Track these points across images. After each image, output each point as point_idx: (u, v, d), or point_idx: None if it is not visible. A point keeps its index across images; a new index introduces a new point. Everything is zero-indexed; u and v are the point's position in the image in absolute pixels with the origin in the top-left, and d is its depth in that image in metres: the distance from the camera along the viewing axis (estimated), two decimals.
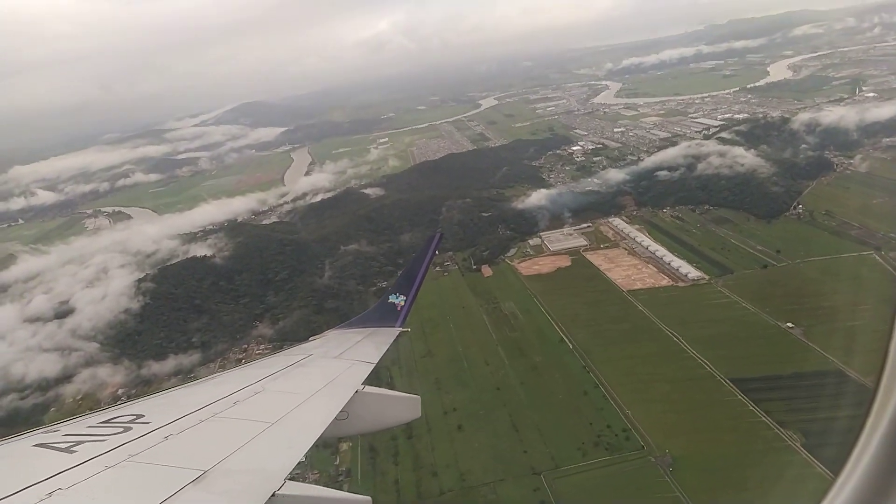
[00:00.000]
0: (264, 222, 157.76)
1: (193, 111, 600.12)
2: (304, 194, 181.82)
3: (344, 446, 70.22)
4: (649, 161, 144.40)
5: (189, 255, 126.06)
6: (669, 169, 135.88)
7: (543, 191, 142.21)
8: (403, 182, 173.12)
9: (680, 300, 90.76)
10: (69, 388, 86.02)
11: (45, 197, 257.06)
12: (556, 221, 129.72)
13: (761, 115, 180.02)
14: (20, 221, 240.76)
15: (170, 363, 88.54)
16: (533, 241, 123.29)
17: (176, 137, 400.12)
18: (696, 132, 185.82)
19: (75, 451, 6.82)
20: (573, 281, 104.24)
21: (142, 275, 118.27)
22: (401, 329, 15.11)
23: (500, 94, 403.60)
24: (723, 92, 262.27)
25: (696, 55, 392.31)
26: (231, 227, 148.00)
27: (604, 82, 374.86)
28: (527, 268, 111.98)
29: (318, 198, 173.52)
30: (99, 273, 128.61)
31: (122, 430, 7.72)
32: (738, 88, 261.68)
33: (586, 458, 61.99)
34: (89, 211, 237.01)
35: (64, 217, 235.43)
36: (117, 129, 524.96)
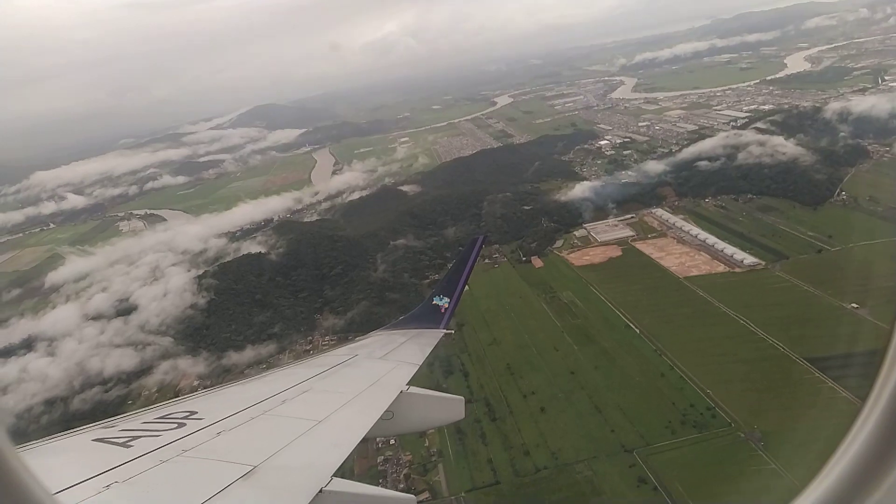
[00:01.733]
0: (306, 220, 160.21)
1: (205, 115, 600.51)
2: (340, 192, 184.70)
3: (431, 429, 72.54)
4: (687, 152, 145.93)
5: (242, 253, 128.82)
6: (709, 159, 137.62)
7: (587, 183, 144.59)
8: (438, 179, 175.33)
9: (740, 285, 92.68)
10: (150, 380, 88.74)
11: (74, 201, 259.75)
12: (598, 213, 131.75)
13: (792, 106, 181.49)
14: (51, 225, 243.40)
15: (248, 353, 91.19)
16: (579, 233, 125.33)
17: (194, 141, 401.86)
18: (724, 124, 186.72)
19: (131, 446, 7.06)
20: (627, 269, 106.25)
21: (200, 272, 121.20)
22: (445, 331, 15.34)
23: (513, 91, 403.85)
24: (743, 84, 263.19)
25: (710, 49, 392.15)
26: (280, 225, 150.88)
27: (618, 78, 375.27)
28: (577, 258, 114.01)
29: (356, 195, 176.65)
30: (152, 272, 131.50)
31: (176, 425, 8.01)
32: (758, 81, 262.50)
33: (675, 435, 64.05)
34: (121, 213, 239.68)
35: (95, 220, 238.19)
36: (132, 134, 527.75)
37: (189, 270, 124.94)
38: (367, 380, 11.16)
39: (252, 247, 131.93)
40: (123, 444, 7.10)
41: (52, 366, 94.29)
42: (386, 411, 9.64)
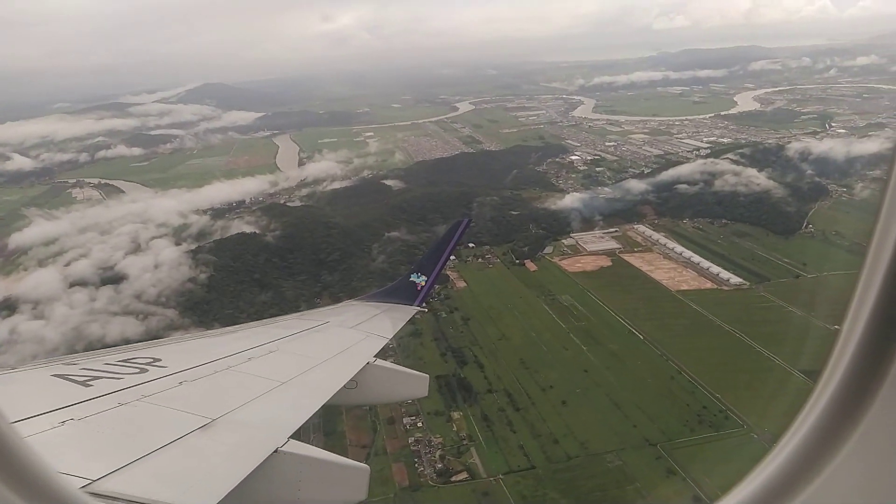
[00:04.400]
0: (288, 204, 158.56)
1: (146, 87, 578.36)
2: (318, 181, 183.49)
3: (456, 415, 74.99)
4: (666, 174, 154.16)
5: (234, 232, 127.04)
6: (688, 183, 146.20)
7: (576, 194, 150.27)
8: (420, 177, 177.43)
9: (729, 301, 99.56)
10: None
11: (20, 162, 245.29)
12: (584, 224, 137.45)
13: (751, 141, 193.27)
14: None
15: None
16: (567, 242, 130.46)
17: (142, 112, 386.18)
18: (688, 152, 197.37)
19: (91, 386, 7.01)
20: (619, 279, 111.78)
21: (192, 247, 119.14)
22: (419, 308, 15.59)
23: (473, 99, 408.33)
24: (698, 116, 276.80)
25: (663, 80, 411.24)
26: (268, 207, 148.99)
27: (576, 97, 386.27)
28: (570, 265, 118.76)
29: (336, 185, 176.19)
30: (132, 242, 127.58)
31: (138, 370, 7.94)
32: (712, 115, 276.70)
33: (694, 433, 69.07)
34: (72, 180, 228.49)
35: (44, 185, 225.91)
36: (66, 99, 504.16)
37: (178, 244, 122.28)
38: (335, 347, 11.34)
39: (241, 226, 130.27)
40: (83, 383, 7.09)
41: (47, 329, 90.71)
42: (350, 380, 9.76)
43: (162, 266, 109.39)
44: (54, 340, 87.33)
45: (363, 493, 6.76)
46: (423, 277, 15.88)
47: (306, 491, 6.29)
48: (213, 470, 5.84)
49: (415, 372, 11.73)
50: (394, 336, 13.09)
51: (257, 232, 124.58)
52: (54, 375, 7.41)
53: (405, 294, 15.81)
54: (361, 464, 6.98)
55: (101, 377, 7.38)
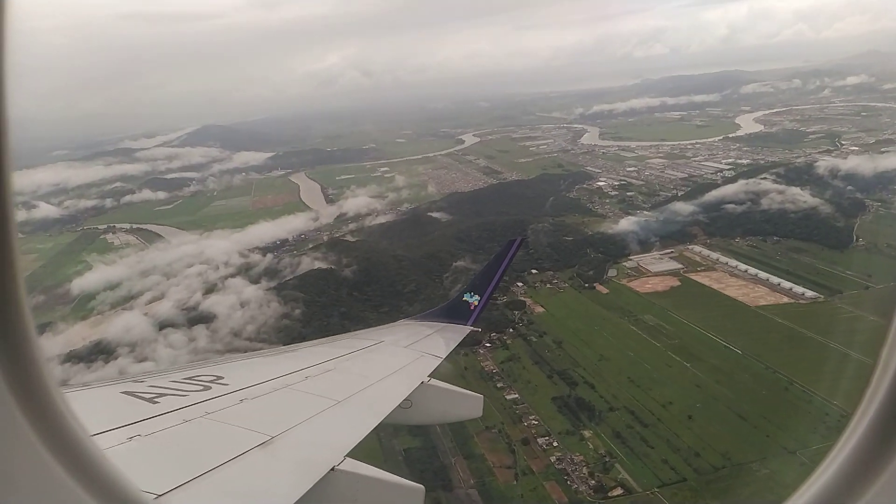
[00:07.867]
0: (346, 239, 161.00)
1: (141, 132, 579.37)
2: (361, 216, 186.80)
3: (587, 433, 77.11)
4: (710, 195, 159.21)
5: (306, 269, 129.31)
6: (735, 203, 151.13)
7: (631, 217, 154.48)
8: (462, 207, 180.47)
9: (813, 314, 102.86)
10: None
11: (46, 210, 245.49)
12: (640, 246, 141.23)
13: (774, 161, 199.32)
14: (19, 235, 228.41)
15: None
16: (629, 264, 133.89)
17: (148, 157, 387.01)
18: (711, 174, 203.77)
19: (157, 403, 7.26)
20: (695, 298, 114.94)
21: (272, 284, 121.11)
22: (472, 328, 15.69)
23: (476, 131, 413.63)
24: (707, 140, 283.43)
25: (661, 105, 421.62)
26: (332, 243, 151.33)
27: (577, 125, 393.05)
28: (639, 286, 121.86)
29: (380, 219, 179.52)
30: (204, 283, 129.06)
31: (202, 388, 8.21)
32: (721, 137, 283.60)
33: (827, 439, 71.57)
34: (102, 226, 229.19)
35: (73, 232, 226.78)
36: (63, 146, 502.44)
37: (254, 283, 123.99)
38: (390, 367, 11.43)
39: (311, 263, 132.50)
40: (150, 400, 7.35)
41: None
42: (405, 400, 9.83)
43: (249, 304, 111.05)
44: None
45: None
46: (476, 297, 16.20)
47: None
48: (271, 487, 6.03)
49: (469, 392, 11.99)
50: (447, 356, 13.03)
51: (333, 267, 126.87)
52: (123, 392, 7.76)
53: (458, 313, 16.06)
54: (416, 484, 7.01)
55: (167, 394, 7.68)
